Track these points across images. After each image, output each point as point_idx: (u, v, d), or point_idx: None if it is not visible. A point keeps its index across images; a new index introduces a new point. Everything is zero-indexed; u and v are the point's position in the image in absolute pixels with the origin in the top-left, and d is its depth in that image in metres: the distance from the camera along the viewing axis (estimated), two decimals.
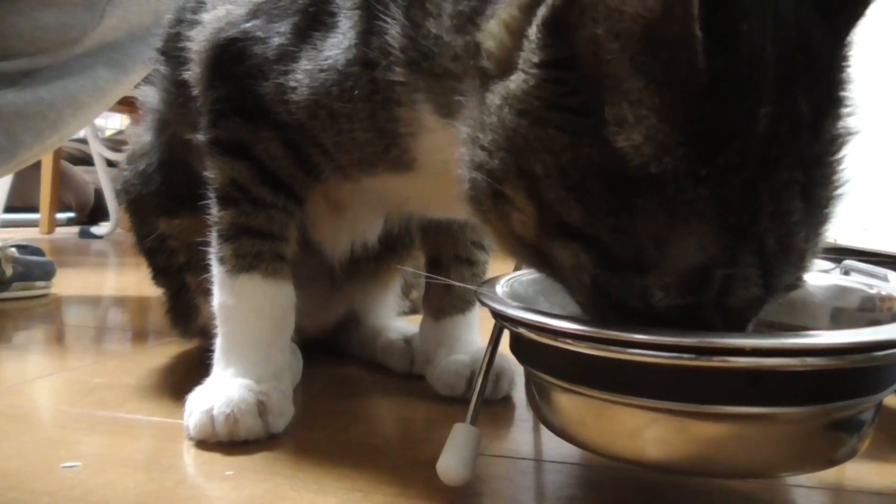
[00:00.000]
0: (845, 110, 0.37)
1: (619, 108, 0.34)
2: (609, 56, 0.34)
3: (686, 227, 0.34)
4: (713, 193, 0.33)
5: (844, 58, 0.37)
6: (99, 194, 2.66)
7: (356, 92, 0.48)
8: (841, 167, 0.37)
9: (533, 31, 0.36)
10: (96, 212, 2.77)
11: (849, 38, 0.37)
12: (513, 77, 0.37)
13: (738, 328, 0.37)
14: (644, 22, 0.32)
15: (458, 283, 0.66)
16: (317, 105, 0.50)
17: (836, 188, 0.37)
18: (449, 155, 0.42)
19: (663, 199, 0.34)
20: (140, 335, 0.96)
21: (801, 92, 0.35)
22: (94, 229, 2.39)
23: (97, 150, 2.38)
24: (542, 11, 0.35)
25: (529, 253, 0.39)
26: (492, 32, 0.39)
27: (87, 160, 2.78)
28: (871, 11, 0.37)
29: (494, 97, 0.38)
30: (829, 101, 0.37)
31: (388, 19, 0.45)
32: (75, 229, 2.50)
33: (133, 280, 1.43)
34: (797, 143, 0.34)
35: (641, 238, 0.34)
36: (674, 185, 0.33)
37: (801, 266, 0.36)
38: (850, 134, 0.37)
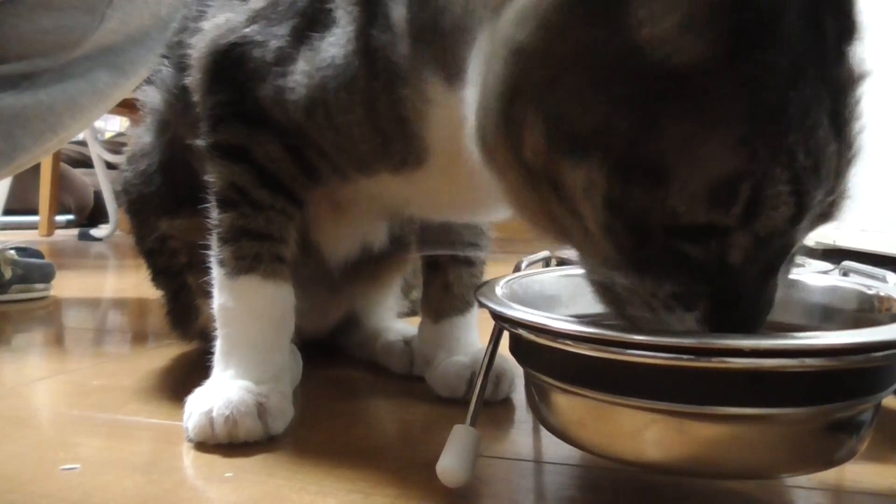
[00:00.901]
0: (860, 43, 0.36)
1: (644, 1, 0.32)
2: None
3: (714, 129, 0.32)
4: (744, 94, 0.32)
5: None
6: (98, 196, 2.66)
7: (355, 84, 0.48)
8: (861, 102, 0.36)
9: None
10: (96, 214, 2.77)
11: None
12: None
13: (772, 264, 0.35)
14: None
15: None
16: (314, 104, 0.50)
17: (860, 125, 0.36)
18: (459, 134, 0.41)
19: (691, 98, 0.32)
20: (139, 337, 0.96)
21: (825, 10, 0.34)
22: (94, 231, 2.39)
23: (96, 153, 2.38)
24: None
25: (540, 191, 0.37)
26: None
27: (86, 162, 2.78)
28: (871, 11, 0.37)
29: (507, 13, 0.37)
30: (848, 28, 0.36)
31: (391, 4, 0.45)
32: (74, 231, 2.51)
33: (132, 282, 1.43)
34: (823, 61, 0.34)
35: (664, 142, 0.33)
36: (704, 82, 0.32)
37: (833, 188, 0.35)
38: (867, 72, 0.36)
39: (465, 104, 0.40)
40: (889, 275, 0.50)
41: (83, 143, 2.65)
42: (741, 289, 0.35)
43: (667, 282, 0.36)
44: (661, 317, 0.37)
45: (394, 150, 0.50)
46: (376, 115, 0.49)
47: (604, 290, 0.39)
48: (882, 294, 0.47)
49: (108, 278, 1.67)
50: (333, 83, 0.49)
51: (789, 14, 0.32)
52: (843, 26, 0.35)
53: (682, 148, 0.33)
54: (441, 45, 0.44)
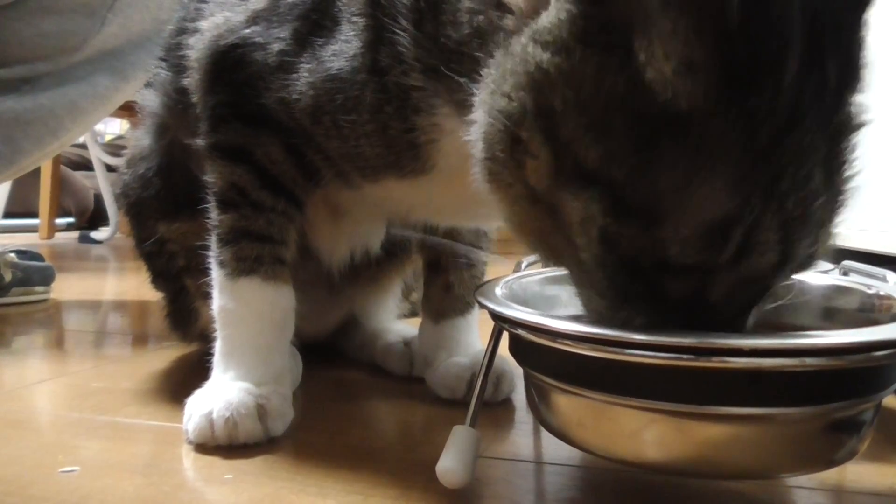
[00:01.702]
0: (863, 92, 0.36)
1: (649, 43, 0.33)
2: None
3: (710, 174, 0.33)
4: (741, 139, 0.32)
5: (864, 35, 0.37)
6: (98, 199, 2.66)
7: (363, 101, 0.48)
8: (857, 152, 0.37)
9: None
10: (96, 217, 2.77)
11: (866, 17, 0.36)
12: (543, 14, 0.36)
13: (748, 303, 0.36)
14: None
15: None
16: (321, 112, 0.50)
17: (853, 172, 0.36)
18: (465, 152, 0.41)
19: (689, 141, 0.33)
20: (140, 339, 0.96)
21: (829, 55, 0.34)
22: (94, 234, 2.39)
23: (97, 155, 2.38)
24: None
25: (538, 213, 0.38)
26: None
27: (86, 165, 2.78)
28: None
29: (520, 39, 0.37)
30: (853, 75, 0.36)
31: (397, 27, 0.45)
32: (75, 234, 2.50)
33: (133, 284, 1.43)
34: (822, 107, 0.34)
35: (660, 184, 0.33)
36: (701, 126, 0.32)
37: (817, 238, 0.35)
38: (866, 121, 0.37)
39: (471, 128, 0.40)
40: (889, 274, 0.50)
41: (83, 146, 2.65)
42: (715, 324, 0.36)
43: (642, 314, 0.36)
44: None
45: (401, 161, 0.50)
46: (387, 132, 0.49)
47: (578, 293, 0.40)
48: (882, 293, 0.47)
49: (108, 281, 1.67)
50: (341, 97, 0.49)
51: (791, 60, 0.32)
52: (846, 73, 0.35)
53: (678, 191, 0.33)
54: (451, 83, 0.44)
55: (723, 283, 0.35)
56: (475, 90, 0.41)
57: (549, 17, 0.36)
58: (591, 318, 0.39)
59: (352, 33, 0.48)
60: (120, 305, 1.28)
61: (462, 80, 0.42)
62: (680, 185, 0.33)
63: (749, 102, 0.32)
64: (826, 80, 0.34)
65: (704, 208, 0.33)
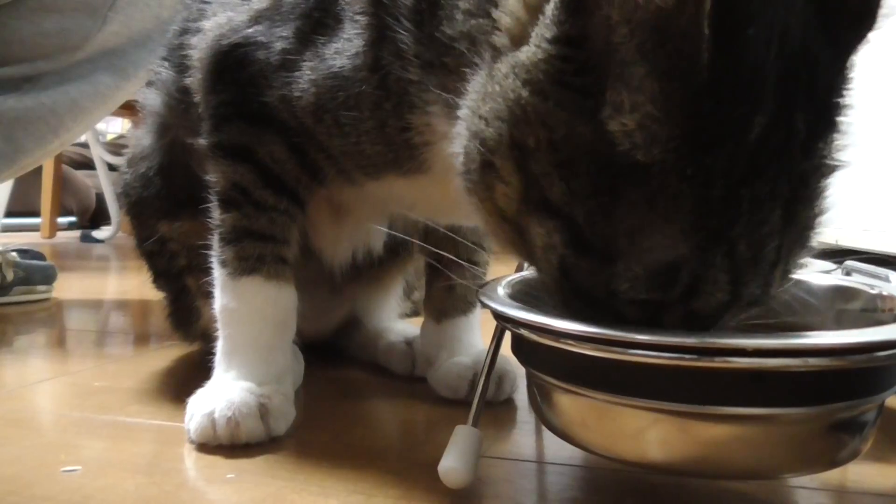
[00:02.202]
0: (840, 138, 0.37)
1: (619, 93, 0.34)
2: (618, 40, 0.34)
3: (663, 221, 0.34)
4: (695, 192, 0.33)
5: (846, 81, 0.38)
6: (100, 198, 2.66)
7: (364, 98, 0.48)
8: (825, 194, 0.38)
9: (550, 8, 0.36)
10: (98, 216, 2.77)
11: (850, 61, 0.37)
12: (524, 48, 0.37)
13: (702, 329, 0.37)
14: (657, 11, 0.33)
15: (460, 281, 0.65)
16: (323, 109, 0.50)
17: (819, 213, 0.38)
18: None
19: (645, 191, 0.34)
20: (142, 338, 0.96)
21: (799, 108, 0.35)
22: (96, 233, 2.39)
23: (98, 155, 2.38)
24: None
25: (507, 229, 0.40)
26: (510, 8, 0.39)
27: (88, 164, 2.78)
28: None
29: (502, 67, 0.38)
30: (825, 124, 0.37)
31: (400, 27, 0.46)
32: (76, 233, 2.51)
33: (135, 284, 1.43)
34: (787, 158, 0.35)
35: (617, 226, 0.35)
36: (658, 179, 0.34)
37: (769, 280, 0.37)
38: (840, 165, 0.38)
39: (455, 140, 0.42)
40: (892, 274, 0.50)
41: (85, 145, 2.65)
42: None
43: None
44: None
45: (400, 160, 0.51)
46: (384, 130, 0.49)
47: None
48: (885, 294, 0.47)
49: (109, 280, 1.67)
50: (342, 93, 0.49)
51: (759, 116, 0.33)
52: (819, 122, 0.36)
53: (632, 234, 0.35)
54: (444, 79, 0.45)
55: (674, 315, 0.36)
56: (462, 96, 0.42)
57: (528, 54, 0.37)
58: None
59: (354, 31, 0.48)
60: (122, 305, 1.29)
61: (451, 77, 0.43)
62: (634, 229, 0.35)
63: (708, 159, 0.33)
64: (793, 133, 0.35)
65: (655, 251, 0.35)
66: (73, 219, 2.82)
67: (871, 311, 0.47)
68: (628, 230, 0.35)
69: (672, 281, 0.35)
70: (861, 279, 0.51)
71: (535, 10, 0.38)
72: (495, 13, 0.40)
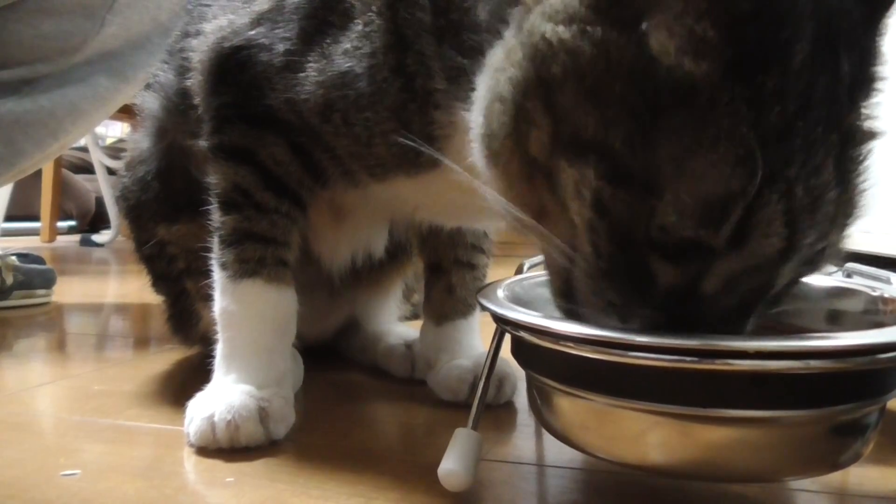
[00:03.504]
0: (875, 104, 0.37)
1: (661, 19, 0.33)
2: None
3: (713, 145, 0.32)
4: (747, 116, 0.32)
5: (879, 47, 0.37)
6: (100, 202, 2.66)
7: (383, 99, 0.48)
8: (869, 161, 0.36)
9: None
10: (97, 220, 2.77)
11: (882, 25, 0.37)
12: None
13: (748, 303, 0.35)
14: None
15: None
16: (331, 109, 0.50)
17: (865, 182, 0.36)
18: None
19: (692, 112, 0.33)
20: (142, 342, 0.96)
21: (843, 52, 0.34)
22: (95, 237, 2.39)
23: (98, 159, 2.38)
24: None
25: (536, 181, 0.38)
26: None
27: (87, 168, 2.78)
28: None
29: (530, 17, 0.38)
30: (864, 81, 0.36)
31: (421, 38, 0.46)
32: (76, 237, 2.51)
33: (134, 287, 1.43)
34: (834, 103, 0.34)
35: (660, 152, 0.33)
36: (707, 97, 0.32)
37: (827, 234, 0.35)
38: (880, 132, 0.37)
39: (472, 106, 0.41)
40: (893, 277, 0.50)
41: (84, 149, 2.65)
42: (709, 326, 0.35)
43: (627, 304, 0.36)
44: (595, 315, 0.37)
45: (414, 157, 0.50)
46: (411, 128, 0.49)
47: (557, 273, 0.39)
48: (886, 296, 0.47)
49: (109, 284, 1.67)
50: (353, 93, 0.49)
51: (798, 47, 0.33)
52: (859, 76, 0.35)
53: (679, 160, 0.33)
54: (468, 80, 0.44)
55: (720, 271, 0.34)
56: (481, 71, 0.41)
57: None
58: (559, 282, 0.39)
59: (367, 31, 0.48)
60: (121, 308, 1.28)
61: (473, 76, 0.43)
62: (681, 154, 0.33)
63: (759, 79, 0.32)
64: (839, 77, 0.34)
65: (705, 180, 0.33)
66: (72, 223, 2.82)
67: (873, 312, 0.47)
68: (674, 156, 0.33)
69: (722, 216, 0.32)
70: (862, 281, 0.50)
71: None
72: None
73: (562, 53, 0.35)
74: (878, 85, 0.37)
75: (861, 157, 0.36)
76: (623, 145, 0.34)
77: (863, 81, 0.36)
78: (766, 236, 0.33)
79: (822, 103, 0.33)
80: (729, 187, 0.32)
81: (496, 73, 0.39)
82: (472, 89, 0.42)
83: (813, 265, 0.36)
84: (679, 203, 0.33)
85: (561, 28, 0.35)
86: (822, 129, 0.33)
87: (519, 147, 0.38)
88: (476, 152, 0.40)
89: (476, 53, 0.43)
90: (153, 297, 0.80)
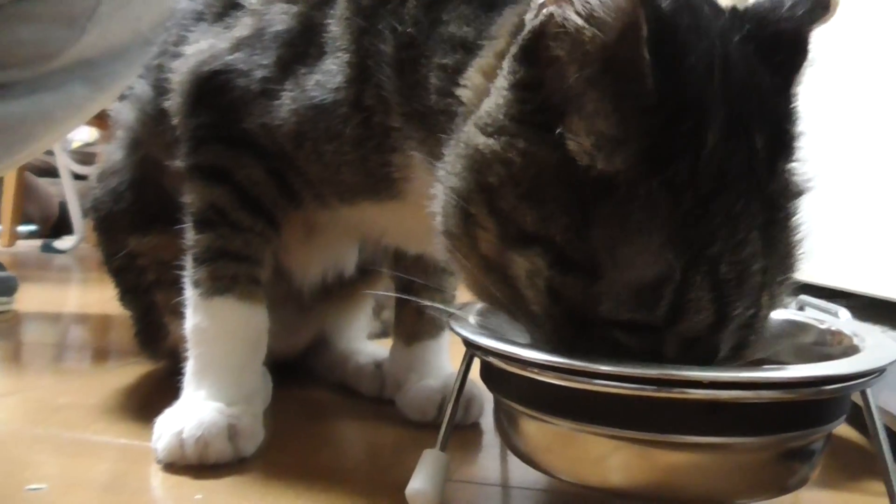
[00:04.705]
0: (798, 162, 0.39)
1: (576, 118, 0.36)
2: (570, 75, 0.37)
3: (637, 235, 0.35)
4: (664, 204, 0.35)
5: (794, 108, 0.40)
6: (63, 207, 2.60)
7: (345, 132, 0.50)
8: (799, 217, 0.39)
9: (505, 64, 0.39)
10: (60, 225, 2.71)
11: (793, 90, 0.40)
12: (484, 101, 0.40)
13: (704, 362, 0.37)
14: (602, 45, 0.35)
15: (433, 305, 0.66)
16: (303, 138, 0.52)
17: (797, 241, 0.39)
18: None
19: (614, 203, 0.35)
20: (101, 354, 0.94)
21: (756, 129, 0.37)
22: (57, 243, 2.33)
23: (63, 163, 2.34)
24: (513, 48, 0.39)
25: (494, 278, 0.40)
26: (470, 80, 0.42)
27: (52, 172, 2.71)
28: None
29: (467, 128, 0.41)
30: (784, 146, 0.39)
31: (382, 73, 0.48)
32: (37, 243, 2.45)
33: (96, 297, 1.40)
34: (753, 177, 0.37)
35: (594, 241, 0.36)
36: (625, 190, 0.35)
37: (757, 302, 0.37)
38: (806, 188, 0.40)
39: (433, 202, 0.43)
40: (841, 310, 0.52)
41: (49, 153, 2.59)
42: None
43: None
44: None
45: (377, 188, 0.52)
46: (367, 164, 0.51)
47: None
48: (834, 329, 0.49)
49: (70, 292, 1.64)
50: (323, 125, 0.50)
51: (710, 132, 0.35)
52: (776, 143, 0.38)
53: (610, 249, 0.36)
54: (425, 135, 0.47)
55: (671, 342, 0.37)
56: (440, 159, 0.43)
57: (488, 104, 0.40)
58: None
59: (335, 66, 0.49)
60: (82, 318, 1.26)
61: (430, 137, 0.45)
62: (612, 244, 0.36)
63: (669, 170, 0.35)
64: (753, 150, 0.37)
65: (637, 267, 0.36)
66: (34, 227, 2.75)
67: (821, 345, 0.49)
68: (606, 246, 0.36)
69: (656, 300, 0.35)
70: (813, 314, 0.53)
71: (490, 75, 0.41)
72: (458, 91, 0.43)
73: (496, 164, 0.38)
74: (798, 143, 0.40)
75: (789, 217, 0.39)
76: (563, 237, 0.37)
77: (781, 147, 0.39)
78: (697, 312, 0.36)
79: (739, 179, 0.36)
80: (657, 274, 0.35)
81: (447, 175, 0.42)
82: (431, 143, 0.45)
83: (751, 328, 0.38)
84: (614, 290, 0.36)
85: (492, 141, 0.39)
86: (743, 202, 0.36)
87: (472, 249, 0.40)
88: (439, 248, 0.43)
89: (432, 116, 0.46)
90: (115, 308, 0.79)
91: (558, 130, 0.37)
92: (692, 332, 0.37)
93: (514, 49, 0.39)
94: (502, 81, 0.39)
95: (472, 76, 0.42)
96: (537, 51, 0.37)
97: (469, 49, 0.44)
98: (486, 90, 0.41)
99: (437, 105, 0.45)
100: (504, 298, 0.40)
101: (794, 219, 0.39)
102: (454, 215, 0.41)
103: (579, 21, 0.35)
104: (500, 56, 0.41)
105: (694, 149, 0.35)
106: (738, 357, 0.39)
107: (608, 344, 0.37)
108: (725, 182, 0.36)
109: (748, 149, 0.37)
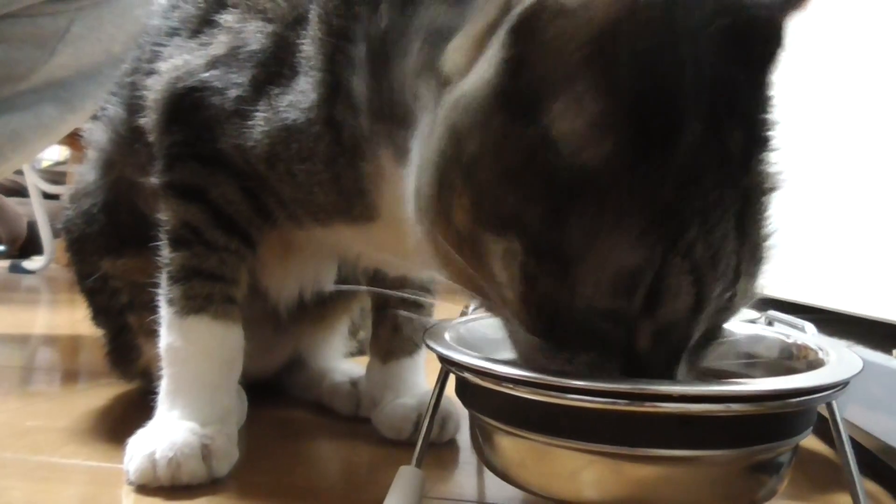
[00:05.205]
0: (772, 154, 0.40)
1: (562, 102, 0.36)
2: (563, 56, 0.36)
3: (615, 224, 0.35)
4: (643, 190, 0.35)
5: (768, 100, 0.40)
6: (32, 227, 2.56)
7: (318, 152, 0.50)
8: (770, 215, 0.40)
9: (498, 36, 0.38)
10: (28, 245, 2.66)
11: (768, 80, 0.40)
12: (468, 78, 0.39)
13: (675, 351, 0.38)
14: (598, 26, 0.35)
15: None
16: (276, 159, 0.52)
17: (767, 235, 0.40)
18: (404, 203, 0.44)
19: (595, 192, 0.35)
20: (70, 376, 0.93)
21: (728, 122, 0.37)
22: (26, 263, 2.29)
23: (33, 182, 2.30)
24: (509, 20, 0.38)
25: (468, 254, 0.40)
26: (457, 45, 0.41)
27: (20, 191, 2.68)
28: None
29: (448, 97, 0.40)
30: (758, 139, 0.39)
31: (354, 78, 0.48)
32: (5, 263, 2.40)
33: (66, 318, 1.38)
34: (728, 169, 0.37)
35: (571, 230, 0.36)
36: (605, 178, 0.35)
37: (733, 286, 0.38)
38: (778, 184, 0.40)
39: (407, 178, 0.43)
40: (808, 325, 0.54)
41: (19, 172, 2.56)
42: (647, 371, 0.38)
43: (582, 352, 0.38)
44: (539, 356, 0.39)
45: (351, 207, 0.52)
46: (339, 181, 0.51)
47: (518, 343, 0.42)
48: (800, 343, 0.50)
49: (39, 313, 1.61)
50: (296, 146, 0.50)
51: (691, 123, 0.36)
52: (750, 137, 0.39)
53: (586, 239, 0.36)
54: (392, 126, 0.47)
55: (645, 330, 0.37)
56: (409, 142, 0.43)
57: (472, 80, 0.39)
58: (523, 363, 0.41)
59: (308, 86, 0.50)
60: (51, 340, 1.24)
61: (399, 127, 0.45)
62: (588, 234, 0.36)
63: (648, 161, 0.35)
64: (728, 144, 0.38)
65: (613, 257, 0.36)
66: (1, 248, 2.70)
67: (788, 359, 0.50)
68: (584, 234, 0.36)
69: (632, 288, 0.36)
70: (781, 328, 0.54)
71: (481, 45, 0.40)
72: (440, 61, 0.42)
73: (479, 137, 0.38)
74: (772, 134, 0.40)
75: (762, 209, 0.40)
76: (539, 223, 0.36)
77: (756, 141, 0.39)
78: (677, 296, 0.36)
79: (714, 169, 0.37)
80: (634, 261, 0.36)
81: (423, 145, 0.41)
82: (398, 138, 0.45)
83: (726, 311, 0.39)
84: (591, 279, 0.36)
85: (478, 114, 0.38)
86: (718, 191, 0.37)
87: (447, 221, 0.40)
88: (413, 224, 0.42)
89: (401, 105, 0.45)
90: (86, 329, 0.78)
91: (543, 113, 0.36)
92: (671, 317, 0.37)
93: (510, 20, 0.37)
94: (490, 56, 0.38)
95: (458, 41, 0.41)
96: (531, 29, 0.37)
97: (451, 28, 0.42)
98: (471, 61, 0.40)
99: (412, 88, 0.44)
100: (480, 279, 0.40)
101: (766, 213, 0.40)
102: (429, 186, 0.40)
103: (576, 1, 0.35)
104: (491, 28, 0.39)
105: (669, 141, 0.36)
106: (707, 345, 0.40)
107: (588, 331, 0.37)
108: (701, 171, 0.36)
109: (723, 142, 0.37)
